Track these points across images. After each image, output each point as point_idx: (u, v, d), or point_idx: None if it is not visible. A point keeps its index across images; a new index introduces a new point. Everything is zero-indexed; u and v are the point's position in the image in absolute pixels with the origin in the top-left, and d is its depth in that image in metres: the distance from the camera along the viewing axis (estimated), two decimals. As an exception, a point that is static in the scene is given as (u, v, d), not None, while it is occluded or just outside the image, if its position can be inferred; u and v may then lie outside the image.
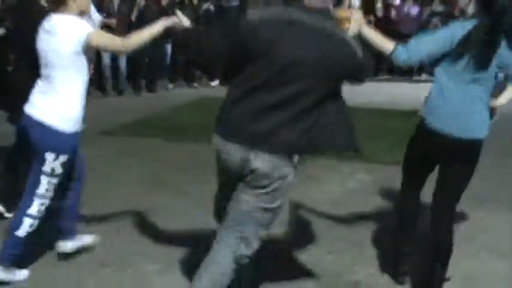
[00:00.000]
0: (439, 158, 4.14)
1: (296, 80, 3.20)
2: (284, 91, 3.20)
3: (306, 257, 4.86)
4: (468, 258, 4.83)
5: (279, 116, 3.22)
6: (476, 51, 3.83)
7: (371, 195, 6.51)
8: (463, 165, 4.05)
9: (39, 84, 4.11)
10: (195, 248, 4.74)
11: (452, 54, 3.88)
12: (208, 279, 3.44)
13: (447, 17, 13.37)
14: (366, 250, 4.97)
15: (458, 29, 3.89)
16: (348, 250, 5.00)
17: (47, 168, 4.04)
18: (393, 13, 14.98)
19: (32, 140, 4.08)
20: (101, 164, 7.08)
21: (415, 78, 15.07)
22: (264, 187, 3.30)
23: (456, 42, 3.85)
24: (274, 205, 3.38)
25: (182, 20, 3.89)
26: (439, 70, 4.03)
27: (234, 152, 3.29)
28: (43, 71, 4.08)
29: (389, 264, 4.59)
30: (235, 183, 3.40)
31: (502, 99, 4.22)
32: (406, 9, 14.86)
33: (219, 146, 3.38)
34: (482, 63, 3.87)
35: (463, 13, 12.46)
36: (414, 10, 15.00)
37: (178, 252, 4.77)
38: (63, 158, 4.05)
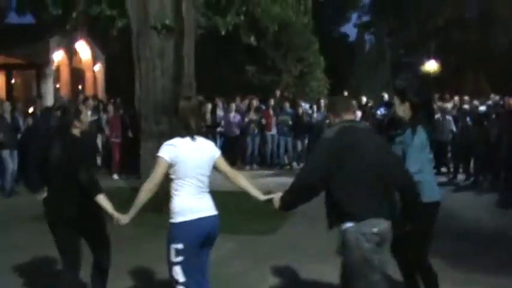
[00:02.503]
0: None
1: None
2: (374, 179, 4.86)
3: None
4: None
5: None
6: None
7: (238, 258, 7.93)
8: None
9: (199, 190, 5.04)
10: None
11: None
12: None
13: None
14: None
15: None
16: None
17: None
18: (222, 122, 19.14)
19: (216, 231, 5.09)
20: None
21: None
22: None
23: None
24: None
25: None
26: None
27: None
28: (198, 178, 5.01)
29: None
30: None
31: None
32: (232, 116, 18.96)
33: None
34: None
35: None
36: (237, 118, 19.01)
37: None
38: None
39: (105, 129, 17.27)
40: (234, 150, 18.57)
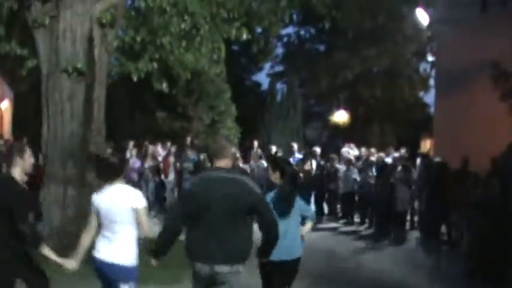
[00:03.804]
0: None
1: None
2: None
3: None
4: None
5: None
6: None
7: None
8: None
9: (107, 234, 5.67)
10: None
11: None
12: None
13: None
14: None
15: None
16: None
17: None
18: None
19: (109, 274, 5.69)
20: None
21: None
22: None
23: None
24: None
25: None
26: None
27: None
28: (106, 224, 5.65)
29: None
30: None
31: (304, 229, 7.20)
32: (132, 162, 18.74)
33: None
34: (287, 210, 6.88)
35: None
36: (137, 163, 19.03)
37: None
38: None
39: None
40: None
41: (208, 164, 16.69)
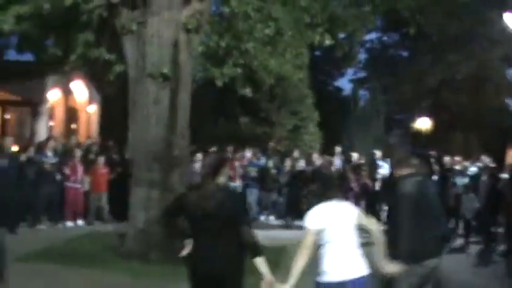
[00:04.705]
0: None
1: None
2: None
3: None
4: None
5: None
6: None
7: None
8: None
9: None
10: None
11: None
12: None
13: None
14: None
15: None
16: None
17: None
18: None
19: None
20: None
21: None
22: None
23: None
24: None
25: None
26: None
27: None
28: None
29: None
30: None
31: None
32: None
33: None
34: None
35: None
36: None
37: None
38: None
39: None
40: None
41: (274, 171, 16.79)
